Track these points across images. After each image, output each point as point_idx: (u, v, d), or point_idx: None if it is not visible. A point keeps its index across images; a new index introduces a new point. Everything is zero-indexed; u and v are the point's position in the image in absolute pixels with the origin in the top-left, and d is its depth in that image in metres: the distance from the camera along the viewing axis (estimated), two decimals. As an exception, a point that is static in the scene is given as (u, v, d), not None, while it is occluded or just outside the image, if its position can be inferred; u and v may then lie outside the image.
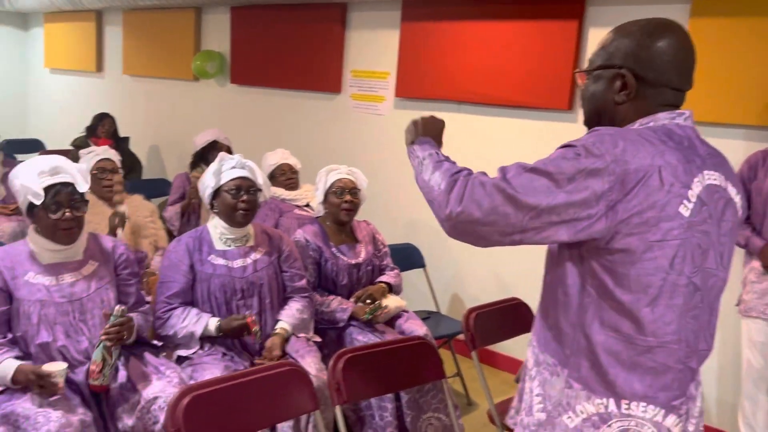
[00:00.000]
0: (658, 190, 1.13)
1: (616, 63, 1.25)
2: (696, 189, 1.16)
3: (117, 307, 1.99)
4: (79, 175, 2.10)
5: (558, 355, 1.26)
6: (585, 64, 1.35)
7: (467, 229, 1.16)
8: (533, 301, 2.57)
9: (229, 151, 4.25)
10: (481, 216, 1.14)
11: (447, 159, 1.29)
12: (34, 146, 6.23)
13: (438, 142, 1.39)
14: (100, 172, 3.09)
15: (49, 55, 7.15)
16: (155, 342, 2.27)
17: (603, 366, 1.19)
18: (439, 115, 1.46)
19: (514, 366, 3.66)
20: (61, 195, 2.04)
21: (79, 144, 5.34)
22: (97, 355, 1.94)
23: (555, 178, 1.13)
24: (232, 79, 5.16)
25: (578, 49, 3.30)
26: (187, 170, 4.34)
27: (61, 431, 1.76)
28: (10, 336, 2.00)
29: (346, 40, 4.36)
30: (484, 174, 1.20)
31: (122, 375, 2.07)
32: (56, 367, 1.84)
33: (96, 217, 2.97)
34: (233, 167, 2.46)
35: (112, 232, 2.86)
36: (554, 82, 3.38)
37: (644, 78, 1.23)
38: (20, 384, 1.89)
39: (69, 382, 1.96)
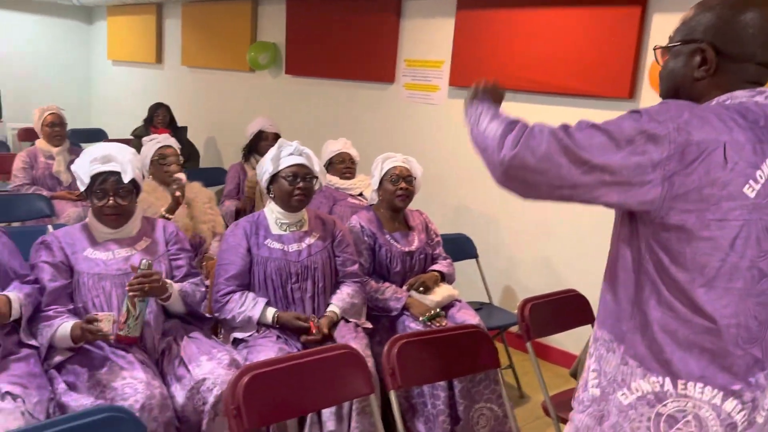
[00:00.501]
0: (720, 168, 1.08)
1: (696, 37, 1.20)
2: (766, 170, 1.11)
3: (143, 260, 2.05)
4: (128, 165, 2.19)
5: (615, 331, 1.23)
6: (648, 51, 1.31)
7: (518, 175, 1.12)
8: (590, 293, 2.53)
9: (277, 137, 4.34)
10: (534, 162, 1.10)
11: (504, 112, 1.26)
12: (97, 136, 6.45)
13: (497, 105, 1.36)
14: (161, 158, 3.19)
15: (111, 47, 7.39)
16: (208, 314, 2.31)
17: (659, 344, 1.16)
18: None
19: (567, 360, 3.59)
20: (106, 183, 2.16)
21: (139, 133, 5.51)
22: (123, 306, 2.03)
23: (614, 137, 1.09)
24: (286, 70, 5.22)
25: (641, 35, 3.20)
26: (241, 161, 4.43)
27: (147, 402, 1.83)
28: (70, 306, 2.12)
29: (401, 30, 4.35)
30: (544, 124, 1.17)
31: (176, 355, 2.14)
32: (104, 314, 1.95)
33: (158, 201, 3.06)
34: (291, 154, 2.50)
35: (174, 201, 2.95)
36: (615, 70, 3.28)
37: (726, 53, 1.18)
38: (77, 340, 1.98)
39: (141, 353, 2.06)
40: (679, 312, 1.14)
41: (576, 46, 3.43)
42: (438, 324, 2.63)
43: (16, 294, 1.96)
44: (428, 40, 4.19)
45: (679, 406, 1.15)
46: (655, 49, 1.32)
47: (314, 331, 2.31)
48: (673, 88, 1.26)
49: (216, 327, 2.57)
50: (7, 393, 1.74)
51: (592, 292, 2.56)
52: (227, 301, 2.38)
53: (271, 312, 2.38)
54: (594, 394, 1.26)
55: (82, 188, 2.17)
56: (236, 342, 2.36)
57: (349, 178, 3.73)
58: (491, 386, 2.60)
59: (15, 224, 3.49)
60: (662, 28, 3.12)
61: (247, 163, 4.39)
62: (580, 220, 3.50)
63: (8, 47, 7.26)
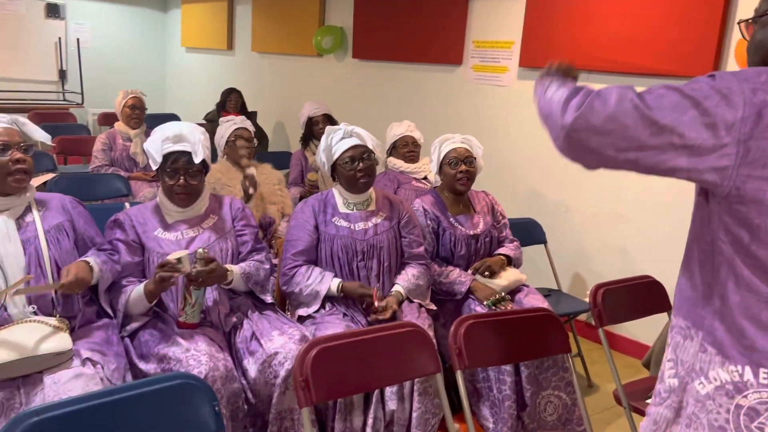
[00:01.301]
0: None
1: None
2: None
3: (198, 250, 2.08)
4: (199, 145, 2.22)
5: (691, 316, 1.16)
6: (733, 28, 1.23)
7: (582, 139, 1.06)
8: (666, 281, 2.42)
9: (327, 118, 4.36)
10: (599, 123, 1.04)
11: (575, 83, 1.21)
12: (171, 121, 6.64)
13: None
14: (236, 140, 3.25)
15: (185, 34, 7.60)
16: (265, 298, 2.33)
17: (739, 329, 1.08)
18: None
19: (637, 350, 3.47)
20: (177, 163, 2.19)
21: (211, 118, 5.66)
22: (180, 294, 2.10)
23: (686, 95, 1.03)
24: (353, 54, 5.23)
25: (726, 11, 3.02)
26: (301, 148, 4.49)
27: (210, 374, 1.88)
28: (144, 279, 2.18)
29: (469, 10, 4.27)
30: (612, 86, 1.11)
31: (248, 330, 2.17)
32: (179, 254, 2.02)
33: (231, 181, 3.13)
34: (342, 138, 2.48)
35: (245, 194, 3.00)
36: (697, 48, 3.11)
37: None
38: (153, 293, 2.06)
39: (207, 328, 2.12)
40: (762, 293, 1.06)
41: (655, 23, 3.27)
42: (503, 308, 2.59)
43: (94, 259, 2.04)
44: (498, 20, 4.09)
45: (761, 397, 1.07)
46: (739, 23, 1.23)
47: (377, 303, 2.30)
48: (761, 60, 1.17)
49: (283, 303, 2.61)
50: (88, 359, 1.82)
51: (669, 280, 2.45)
52: (294, 275, 2.40)
53: (336, 282, 2.38)
54: (671, 384, 1.19)
55: (154, 166, 2.22)
56: (302, 319, 2.38)
57: (413, 162, 3.71)
58: (559, 373, 2.53)
59: (94, 203, 3.65)
60: (748, 2, 2.94)
61: (307, 149, 4.44)
62: (656, 205, 3.35)
63: (89, 36, 7.58)
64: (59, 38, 7.33)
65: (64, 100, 7.34)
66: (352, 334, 1.65)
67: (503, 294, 2.64)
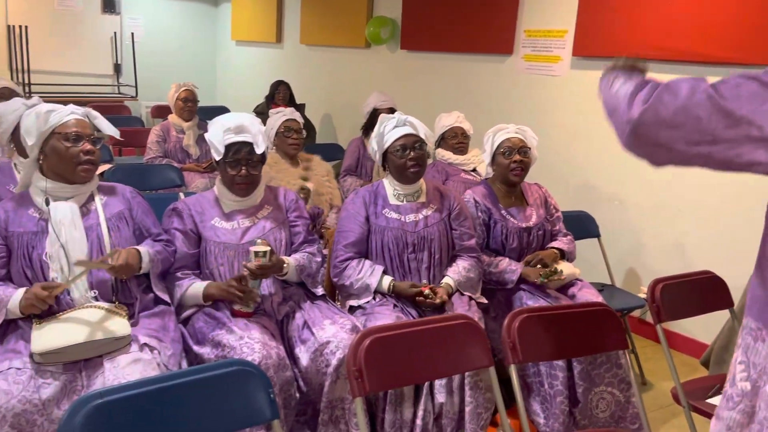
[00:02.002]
0: None
1: None
2: None
3: (257, 240, 2.11)
4: (259, 136, 2.26)
5: (763, 317, 1.11)
6: None
7: (649, 134, 1.02)
8: (728, 278, 2.33)
9: (391, 112, 4.34)
10: (668, 115, 0.99)
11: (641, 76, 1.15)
12: (222, 113, 6.73)
13: None
14: (286, 131, 3.28)
15: (235, 28, 7.70)
16: (316, 290, 2.35)
17: None
18: None
19: (693, 348, 3.36)
20: (240, 153, 2.22)
21: (261, 110, 5.72)
22: None
23: (765, 84, 0.96)
24: (402, 45, 5.20)
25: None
26: (361, 136, 4.49)
27: (264, 362, 1.90)
28: (197, 271, 2.25)
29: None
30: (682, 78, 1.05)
31: (299, 319, 2.19)
32: (261, 248, 2.07)
33: (280, 173, 3.16)
34: (395, 127, 2.47)
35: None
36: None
37: None
38: (211, 297, 2.13)
39: (261, 316, 2.15)
40: None
41: (725, 8, 3.11)
42: (555, 279, 2.54)
43: (146, 249, 2.08)
44: (550, 9, 4.00)
45: None
46: None
47: (426, 291, 2.28)
48: None
49: (333, 292, 2.62)
50: (145, 344, 1.86)
51: (728, 277, 2.36)
52: (345, 268, 2.41)
53: (387, 280, 2.39)
54: (744, 388, 1.14)
55: (217, 157, 2.24)
56: (352, 310, 2.39)
57: (462, 153, 3.67)
58: (613, 369, 2.47)
59: (149, 193, 3.73)
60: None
61: (367, 138, 4.43)
62: (715, 199, 3.23)
63: (143, 30, 7.76)
64: (114, 33, 7.52)
65: (119, 93, 7.54)
66: (405, 325, 1.64)
67: (554, 267, 2.58)
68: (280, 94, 5.69)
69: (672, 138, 1.01)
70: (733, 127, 0.97)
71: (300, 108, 5.77)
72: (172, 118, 4.48)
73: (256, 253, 2.08)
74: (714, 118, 0.97)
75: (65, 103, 2.10)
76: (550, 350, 1.83)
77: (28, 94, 6.52)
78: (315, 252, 2.36)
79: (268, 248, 2.10)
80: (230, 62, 8.02)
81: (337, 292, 2.59)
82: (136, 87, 7.38)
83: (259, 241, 2.13)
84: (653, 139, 1.03)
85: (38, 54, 6.92)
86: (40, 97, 2.40)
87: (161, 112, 6.30)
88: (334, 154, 5.06)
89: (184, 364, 1.99)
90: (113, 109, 6.32)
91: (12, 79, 6.84)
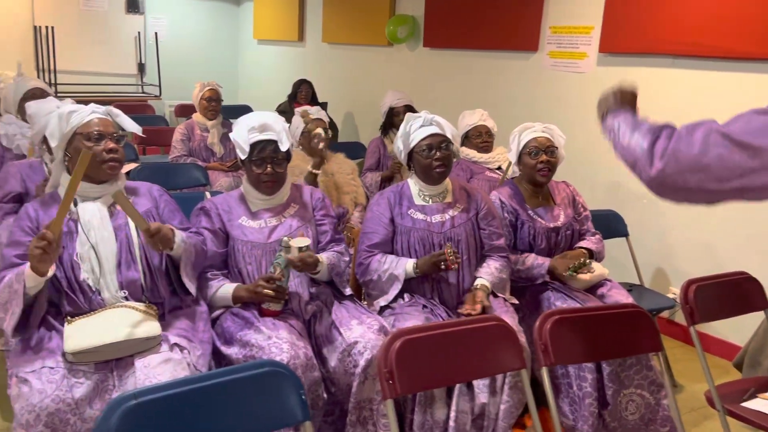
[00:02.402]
0: None
1: None
2: None
3: (284, 238, 2.09)
4: (283, 133, 2.25)
5: None
6: None
7: (677, 182, 1.04)
8: (764, 280, 2.27)
9: (408, 109, 4.33)
10: (690, 161, 1.02)
11: (645, 120, 1.16)
12: (244, 112, 6.70)
13: (633, 111, 1.27)
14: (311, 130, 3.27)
15: (257, 26, 7.73)
16: (345, 290, 2.33)
17: None
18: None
19: (724, 350, 3.30)
20: (264, 152, 2.22)
21: (283, 109, 5.73)
22: None
23: None
24: (425, 43, 5.17)
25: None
26: (380, 136, 4.48)
27: (292, 362, 1.90)
28: (225, 271, 2.25)
29: (547, -5, 4.15)
30: (691, 122, 1.07)
31: (327, 319, 2.19)
32: (304, 241, 2.07)
33: (306, 172, 3.15)
34: (421, 126, 2.44)
35: (318, 157, 3.13)
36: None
37: None
38: (241, 299, 2.13)
39: (288, 316, 2.14)
40: None
41: (753, 2, 3.04)
42: (585, 272, 2.50)
43: (181, 232, 2.07)
44: (576, 5, 3.95)
45: None
46: None
47: (449, 253, 2.25)
48: None
49: (358, 292, 2.62)
50: (175, 344, 1.87)
51: (763, 277, 2.31)
52: (369, 263, 2.40)
53: (410, 263, 2.35)
54: None
55: (242, 156, 2.24)
56: (380, 311, 2.38)
57: (486, 152, 3.64)
58: (643, 371, 2.43)
59: (174, 192, 3.75)
60: None
61: (386, 137, 4.43)
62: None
63: (166, 30, 7.81)
64: (138, 32, 7.58)
65: (143, 92, 7.60)
66: (436, 326, 1.62)
67: (582, 259, 2.55)
68: (302, 93, 5.70)
69: (701, 180, 1.03)
70: (757, 156, 0.99)
71: (322, 107, 5.77)
72: (197, 116, 4.50)
73: (300, 248, 2.07)
74: (735, 153, 1.00)
75: (90, 103, 2.11)
76: (583, 353, 1.80)
77: (55, 95, 6.60)
78: (343, 251, 2.35)
79: (310, 242, 2.09)
80: (252, 61, 8.05)
81: (363, 292, 2.58)
82: (159, 86, 7.43)
83: (298, 235, 2.11)
84: (682, 185, 1.05)
85: (64, 54, 7.00)
86: (66, 97, 2.41)
87: (184, 111, 6.34)
88: (356, 153, 5.04)
89: (213, 365, 1.99)
90: (137, 108, 6.38)
91: (39, 79, 6.95)
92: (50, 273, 1.79)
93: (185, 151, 4.37)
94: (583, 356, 1.85)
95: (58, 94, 6.51)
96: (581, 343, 1.79)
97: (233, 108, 6.86)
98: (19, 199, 2.57)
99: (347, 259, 2.35)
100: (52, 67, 6.92)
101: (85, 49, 7.25)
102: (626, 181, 3.73)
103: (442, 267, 2.29)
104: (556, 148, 2.70)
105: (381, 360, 1.50)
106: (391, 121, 4.42)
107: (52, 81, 6.89)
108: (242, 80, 8.34)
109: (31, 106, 2.32)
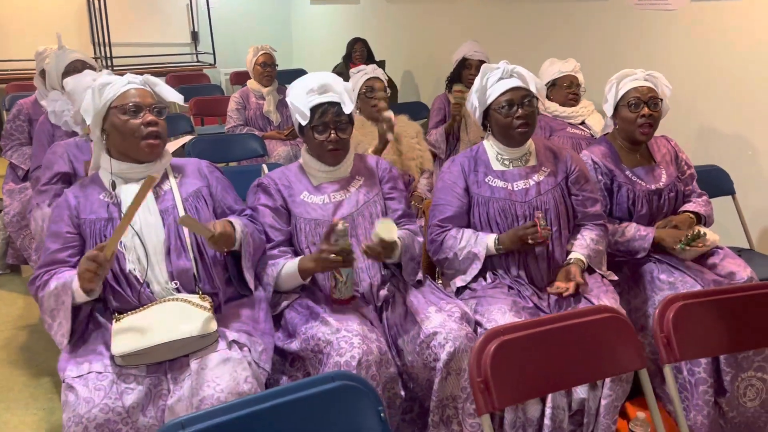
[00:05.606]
0: None
1: None
2: None
3: (339, 221, 1.81)
4: (346, 94, 2.00)
5: None
6: None
7: None
8: None
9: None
10: None
11: None
12: (300, 76, 6.54)
13: None
14: (369, 91, 3.01)
15: (310, -15, 7.45)
16: (416, 279, 2.07)
17: None
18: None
19: None
20: (327, 116, 1.96)
21: (340, 71, 5.46)
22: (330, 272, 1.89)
23: None
24: (491, -11, 4.77)
25: None
26: (445, 92, 4.16)
27: (364, 358, 1.67)
28: (292, 248, 2.01)
29: (629, -76, 3.67)
30: None
31: (400, 305, 1.94)
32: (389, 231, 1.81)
33: (366, 137, 2.89)
34: (500, 79, 2.11)
35: (382, 139, 2.72)
36: None
37: None
38: (308, 271, 1.88)
39: (359, 304, 1.92)
40: None
41: None
42: (700, 244, 2.18)
43: (237, 219, 1.87)
44: (666, -68, 3.47)
45: None
46: None
47: (542, 223, 1.98)
48: None
49: (433, 269, 2.35)
50: (234, 341, 1.67)
51: None
52: (443, 240, 2.12)
53: (492, 238, 2.07)
54: None
55: (303, 122, 1.99)
56: (459, 292, 2.11)
57: (571, 105, 3.30)
58: (764, 352, 2.11)
59: (232, 164, 3.58)
60: None
61: (451, 93, 4.10)
62: None
63: (217, -4, 7.66)
64: (190, 0, 7.45)
65: (198, 61, 7.50)
66: (537, 323, 1.34)
67: (696, 230, 2.21)
68: (356, 52, 5.43)
69: None
70: None
71: (380, 65, 5.48)
72: (251, 83, 4.29)
73: (383, 239, 1.81)
74: None
75: (146, 74, 1.90)
76: (712, 345, 1.49)
77: (110, 68, 6.56)
78: (417, 231, 2.07)
79: (342, 223, 1.81)
80: (306, 23, 7.80)
81: (437, 271, 2.32)
82: (213, 54, 7.32)
83: (382, 218, 1.87)
84: None
85: (118, 27, 6.93)
86: (122, 70, 2.21)
87: (240, 78, 6.17)
88: (418, 112, 4.73)
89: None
90: (192, 78, 6.27)
91: (94, 53, 6.92)
92: (98, 292, 1.65)
93: (241, 120, 4.18)
94: (712, 349, 1.54)
95: (114, 68, 6.47)
96: (712, 333, 1.47)
97: (288, 72, 6.64)
98: (68, 180, 2.43)
99: (422, 239, 2.08)
100: (106, 41, 6.88)
101: (137, 20, 7.18)
102: (730, 131, 3.31)
103: (530, 242, 2.00)
104: (661, 99, 2.33)
105: (473, 367, 1.23)
106: (460, 73, 4.06)
107: (107, 54, 6.85)
108: (296, 43, 8.12)
109: (69, 83, 2.14)
